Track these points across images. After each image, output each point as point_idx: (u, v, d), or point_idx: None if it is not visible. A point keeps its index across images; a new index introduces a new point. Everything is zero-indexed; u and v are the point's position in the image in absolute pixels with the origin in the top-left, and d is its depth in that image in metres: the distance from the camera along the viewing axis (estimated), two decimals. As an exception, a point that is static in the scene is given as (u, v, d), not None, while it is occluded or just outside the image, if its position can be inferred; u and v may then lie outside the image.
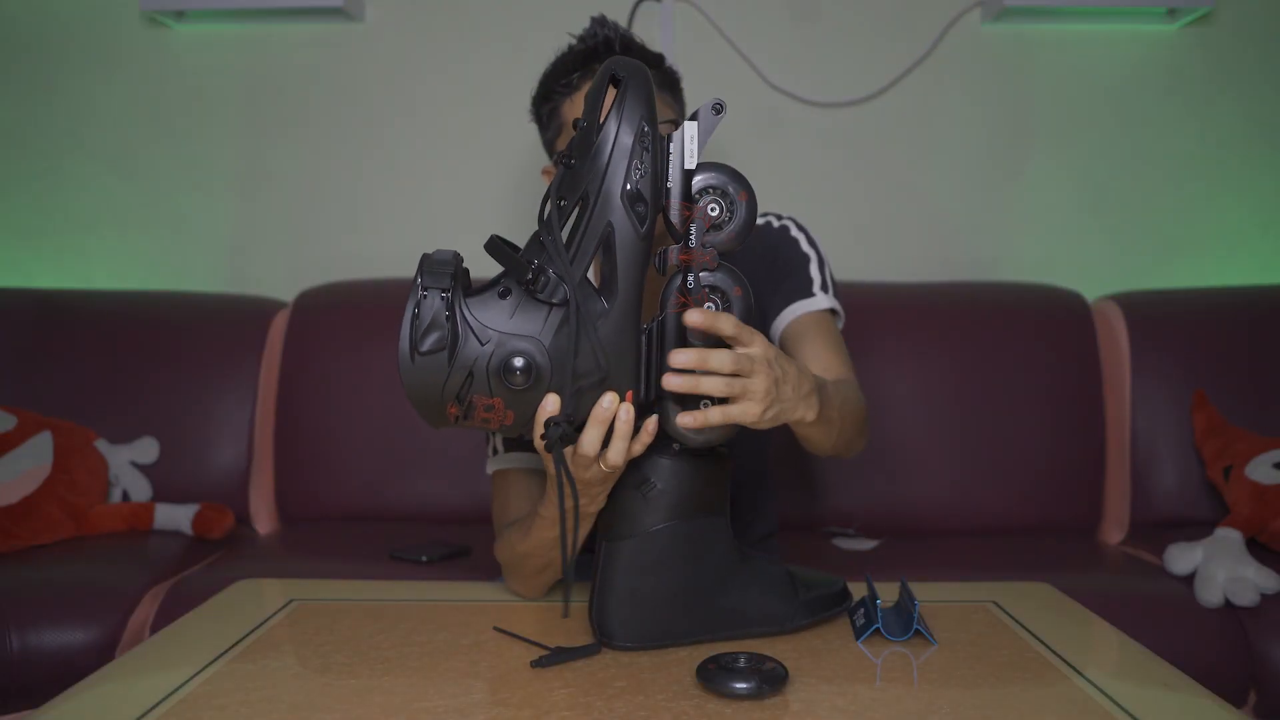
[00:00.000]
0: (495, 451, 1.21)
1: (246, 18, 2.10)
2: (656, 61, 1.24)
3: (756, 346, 0.87)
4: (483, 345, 0.82)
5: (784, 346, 1.27)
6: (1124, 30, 2.09)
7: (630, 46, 1.21)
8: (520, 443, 1.18)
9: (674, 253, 0.86)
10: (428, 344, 0.81)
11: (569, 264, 0.82)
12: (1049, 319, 1.94)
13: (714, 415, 0.86)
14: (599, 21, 1.22)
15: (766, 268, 1.29)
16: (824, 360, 1.23)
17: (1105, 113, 2.11)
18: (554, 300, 0.82)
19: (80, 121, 2.15)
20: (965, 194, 2.13)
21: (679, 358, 0.84)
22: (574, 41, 1.24)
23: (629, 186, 0.82)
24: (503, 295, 0.83)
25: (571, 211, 0.84)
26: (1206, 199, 2.12)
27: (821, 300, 1.29)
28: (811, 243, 1.34)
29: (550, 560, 1.04)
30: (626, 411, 0.84)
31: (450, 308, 0.81)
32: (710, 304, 0.87)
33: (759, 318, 1.28)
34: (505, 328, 0.82)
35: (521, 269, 0.82)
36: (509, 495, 1.18)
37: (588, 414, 0.85)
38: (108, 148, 2.16)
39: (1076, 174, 2.12)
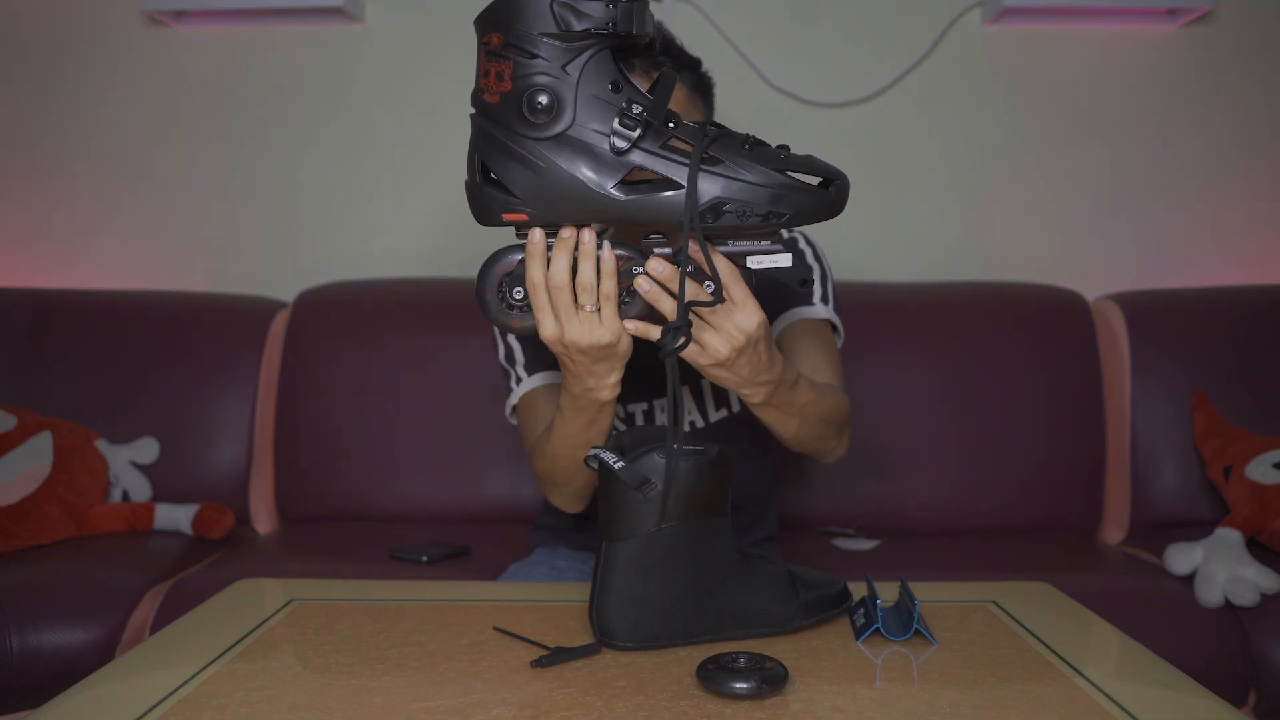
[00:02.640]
0: (519, 381, 1.27)
1: (246, 18, 2.10)
2: (693, 64, 1.26)
3: (751, 318, 0.90)
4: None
5: (778, 346, 1.29)
6: (1124, 30, 2.09)
7: (670, 47, 1.23)
8: (543, 361, 1.25)
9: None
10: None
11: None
12: (1049, 319, 1.94)
13: (660, 337, 0.89)
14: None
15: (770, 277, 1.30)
16: (813, 361, 1.26)
17: (1105, 113, 2.11)
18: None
19: (80, 121, 2.15)
20: (966, 194, 2.13)
21: (656, 266, 0.87)
22: None
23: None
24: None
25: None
26: (1206, 199, 2.12)
27: (820, 310, 1.31)
28: (817, 257, 1.37)
29: (577, 463, 1.10)
30: (589, 235, 0.86)
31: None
32: (709, 283, 0.88)
33: None
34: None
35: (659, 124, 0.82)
36: (536, 413, 1.24)
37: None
38: (108, 148, 2.16)
39: (1076, 174, 2.12)
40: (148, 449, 1.85)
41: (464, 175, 0.89)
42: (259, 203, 2.16)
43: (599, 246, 0.87)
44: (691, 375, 1.31)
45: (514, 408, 1.31)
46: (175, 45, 2.13)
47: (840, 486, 1.85)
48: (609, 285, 0.87)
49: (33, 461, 1.71)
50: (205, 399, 1.91)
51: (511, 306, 0.89)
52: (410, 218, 2.15)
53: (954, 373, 1.89)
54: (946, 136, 2.12)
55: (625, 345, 0.92)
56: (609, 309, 0.88)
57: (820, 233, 2.09)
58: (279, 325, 1.99)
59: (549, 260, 0.87)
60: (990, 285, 2.02)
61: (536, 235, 0.86)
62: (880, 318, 1.92)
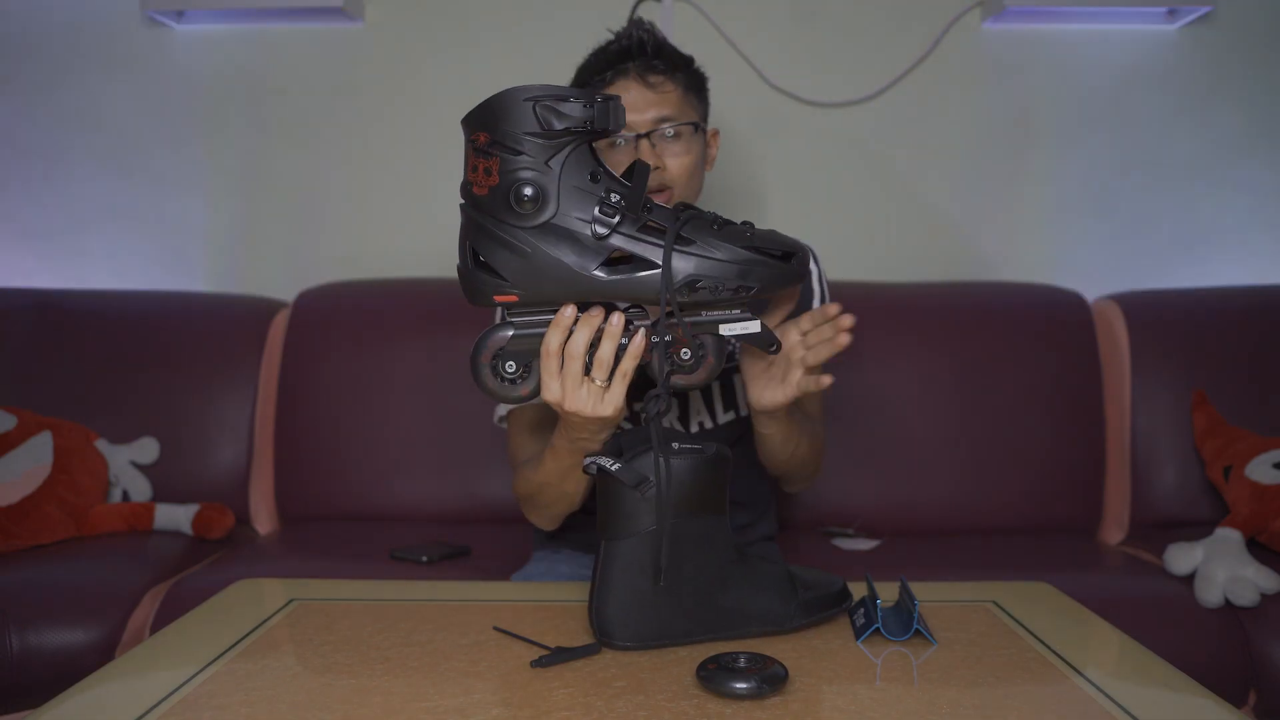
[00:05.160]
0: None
1: (246, 18, 2.10)
2: (686, 63, 1.29)
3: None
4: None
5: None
6: (1124, 30, 2.09)
7: (662, 49, 1.26)
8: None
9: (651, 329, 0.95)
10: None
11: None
12: (1049, 319, 1.94)
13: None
14: (636, 23, 1.28)
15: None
16: (801, 400, 1.33)
17: (1105, 113, 2.11)
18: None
19: (80, 121, 2.15)
20: (965, 194, 2.13)
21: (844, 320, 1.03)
22: (611, 37, 1.29)
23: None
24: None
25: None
26: (1206, 199, 2.12)
27: None
28: (820, 278, 1.42)
29: (563, 492, 1.14)
30: (618, 318, 0.92)
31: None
32: (687, 350, 0.95)
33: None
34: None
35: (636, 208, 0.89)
36: (522, 433, 1.28)
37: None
38: (108, 147, 2.16)
39: (1076, 174, 2.12)
40: (148, 449, 1.85)
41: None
42: (259, 203, 2.16)
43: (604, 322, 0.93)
44: None
45: (502, 417, 1.35)
46: (175, 45, 2.13)
47: (840, 486, 1.84)
48: (628, 365, 0.93)
49: (33, 461, 1.71)
50: (205, 399, 1.91)
51: (504, 380, 0.95)
52: (410, 218, 2.15)
53: (954, 373, 1.89)
54: (946, 136, 2.12)
55: (621, 414, 0.97)
56: (621, 386, 0.94)
57: (821, 233, 2.09)
58: (279, 325, 1.99)
59: (569, 333, 0.92)
60: (990, 285, 2.02)
61: (569, 310, 0.92)
62: (881, 318, 1.91)
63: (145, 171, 2.16)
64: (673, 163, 1.23)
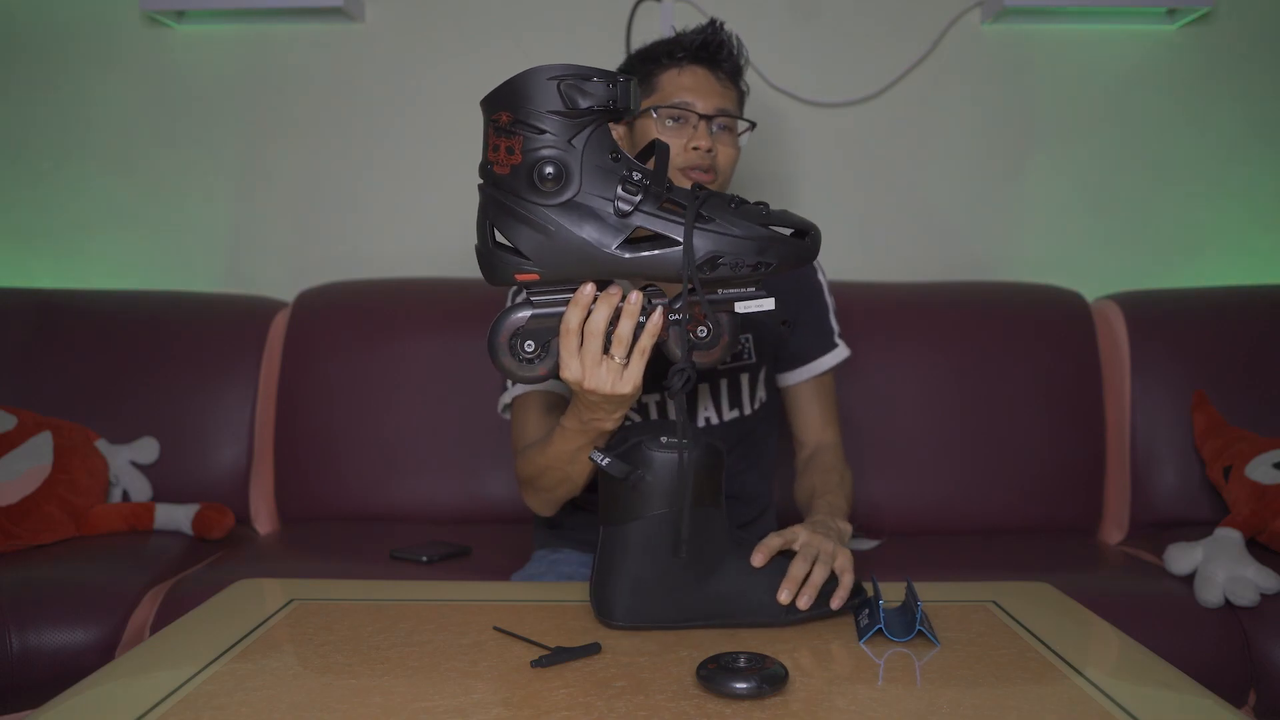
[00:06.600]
0: (514, 382, 1.32)
1: (246, 18, 2.10)
2: (740, 71, 1.39)
3: (823, 543, 1.02)
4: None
5: (796, 395, 1.45)
6: (1124, 30, 2.09)
7: (738, 57, 1.36)
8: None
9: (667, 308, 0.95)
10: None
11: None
12: (1049, 319, 1.94)
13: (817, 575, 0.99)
14: (719, 23, 1.36)
15: (791, 294, 1.43)
16: (820, 421, 1.45)
17: (1105, 113, 2.11)
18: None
19: (80, 122, 2.15)
20: (965, 194, 2.13)
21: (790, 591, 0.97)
22: (684, 30, 1.37)
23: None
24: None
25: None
26: (1206, 199, 2.12)
27: (841, 352, 1.45)
28: (827, 289, 1.49)
29: (567, 475, 1.15)
30: (636, 295, 0.92)
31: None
32: (704, 328, 0.96)
33: (773, 342, 1.44)
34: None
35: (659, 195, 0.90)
36: (529, 417, 1.30)
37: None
38: (108, 148, 2.16)
39: (1076, 174, 2.12)
40: (148, 449, 1.85)
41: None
42: (259, 202, 2.16)
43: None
44: (709, 375, 1.38)
45: (506, 405, 1.36)
46: (175, 45, 2.13)
47: (840, 486, 1.84)
48: (646, 342, 0.93)
49: (33, 461, 1.71)
50: (205, 399, 1.91)
51: (521, 359, 0.96)
52: (410, 218, 2.15)
53: (954, 373, 1.89)
54: (946, 136, 2.12)
55: (639, 392, 0.98)
56: (639, 363, 0.94)
57: (821, 233, 2.09)
58: (279, 325, 1.99)
59: (589, 311, 0.92)
60: (990, 285, 2.02)
61: (589, 288, 0.92)
62: (880, 318, 1.92)
63: (145, 171, 2.16)
64: (723, 150, 1.31)
